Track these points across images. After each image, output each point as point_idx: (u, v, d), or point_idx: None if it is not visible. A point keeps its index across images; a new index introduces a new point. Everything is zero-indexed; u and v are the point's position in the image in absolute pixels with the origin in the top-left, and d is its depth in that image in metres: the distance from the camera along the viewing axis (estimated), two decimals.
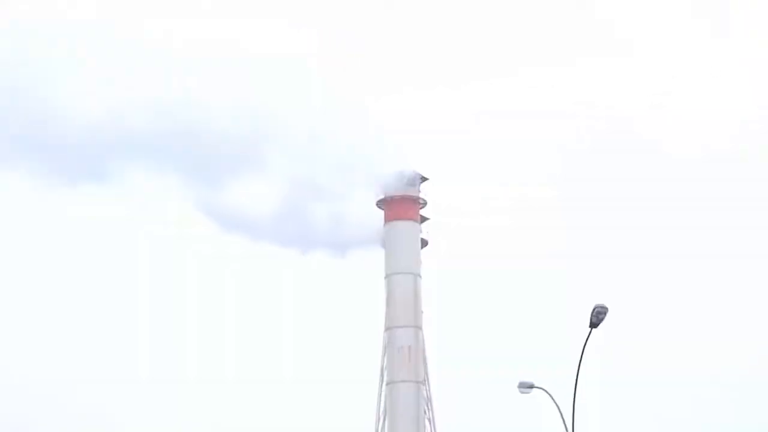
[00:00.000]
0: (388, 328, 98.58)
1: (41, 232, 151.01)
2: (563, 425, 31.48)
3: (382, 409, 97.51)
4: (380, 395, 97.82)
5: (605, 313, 28.99)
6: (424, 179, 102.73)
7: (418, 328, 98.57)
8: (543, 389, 32.82)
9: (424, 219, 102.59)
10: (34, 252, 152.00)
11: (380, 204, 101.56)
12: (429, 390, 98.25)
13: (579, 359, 30.43)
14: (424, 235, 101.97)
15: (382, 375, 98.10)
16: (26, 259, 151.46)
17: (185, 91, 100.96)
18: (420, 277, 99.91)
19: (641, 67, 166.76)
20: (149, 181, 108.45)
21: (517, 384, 33.48)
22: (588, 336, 29.88)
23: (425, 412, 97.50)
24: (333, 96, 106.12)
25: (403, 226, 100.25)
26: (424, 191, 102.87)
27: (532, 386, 33.24)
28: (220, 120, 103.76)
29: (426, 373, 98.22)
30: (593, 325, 29.25)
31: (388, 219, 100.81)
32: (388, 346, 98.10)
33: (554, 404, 31.79)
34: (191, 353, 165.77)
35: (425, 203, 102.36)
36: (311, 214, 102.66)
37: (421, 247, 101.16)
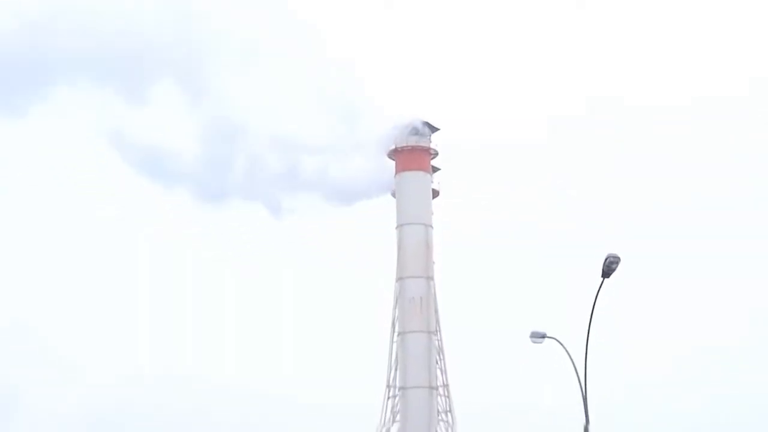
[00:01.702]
0: (399, 279, 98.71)
1: None
2: (575, 375, 31.44)
3: (393, 359, 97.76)
4: (392, 345, 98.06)
5: (617, 263, 28.88)
6: (435, 129, 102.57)
7: (430, 278, 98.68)
8: (555, 339, 32.77)
9: (435, 169, 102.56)
10: None
11: (391, 154, 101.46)
12: (440, 340, 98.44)
13: (591, 309, 30.37)
14: (435, 186, 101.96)
15: (393, 325, 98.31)
16: None
17: None
18: (431, 227, 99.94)
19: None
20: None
21: (529, 334, 33.41)
22: (600, 286, 29.78)
23: (437, 362, 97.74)
24: (341, 47, 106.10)
25: (414, 176, 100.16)
26: (435, 141, 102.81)
27: (544, 336, 33.19)
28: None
29: (437, 323, 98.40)
30: (605, 274, 29.14)
31: (399, 169, 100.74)
32: (400, 297, 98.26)
33: (566, 354, 31.74)
34: (194, 307, 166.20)
35: (436, 153, 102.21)
36: (322, 164, 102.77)
37: (433, 198, 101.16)
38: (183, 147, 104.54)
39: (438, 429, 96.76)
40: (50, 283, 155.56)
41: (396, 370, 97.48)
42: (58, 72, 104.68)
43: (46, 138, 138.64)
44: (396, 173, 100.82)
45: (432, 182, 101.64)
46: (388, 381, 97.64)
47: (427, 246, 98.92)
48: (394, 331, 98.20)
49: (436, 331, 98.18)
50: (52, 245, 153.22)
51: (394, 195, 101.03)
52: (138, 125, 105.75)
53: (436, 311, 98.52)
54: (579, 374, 31.28)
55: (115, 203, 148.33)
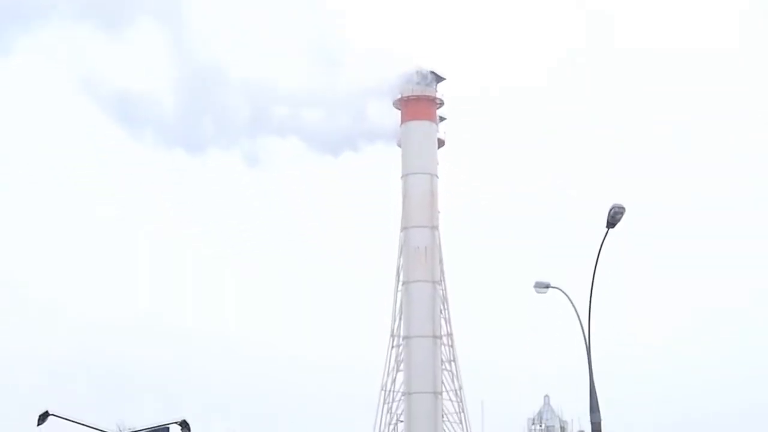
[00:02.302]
0: (404, 228, 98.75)
1: None
2: (579, 325, 31.53)
3: (398, 308, 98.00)
4: (396, 295, 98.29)
5: (622, 213, 28.87)
6: (440, 79, 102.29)
7: (435, 228, 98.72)
8: (559, 289, 32.79)
9: (441, 119, 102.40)
10: None
11: (397, 104, 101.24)
12: (445, 289, 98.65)
13: (595, 259, 30.38)
14: (441, 135, 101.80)
15: (398, 274, 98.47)
16: None
17: None
18: (437, 177, 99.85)
19: None
20: None
21: (533, 284, 33.43)
22: (605, 236, 29.78)
23: (441, 312, 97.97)
24: None
25: (419, 125, 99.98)
26: (441, 91, 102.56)
27: (548, 286, 33.20)
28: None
29: (442, 273, 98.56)
30: (610, 224, 29.15)
31: (404, 119, 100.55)
32: (405, 246, 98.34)
33: (570, 304, 31.80)
34: (189, 260, 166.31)
35: (442, 103, 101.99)
36: (327, 112, 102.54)
37: (438, 147, 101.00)
38: (158, 90, 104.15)
39: (442, 378, 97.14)
40: (25, 227, 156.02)
41: (400, 319, 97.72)
42: (37, 7, 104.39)
43: (23, 75, 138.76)
44: (401, 123, 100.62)
45: (438, 132, 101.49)
46: (393, 330, 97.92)
47: (432, 196, 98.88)
48: (398, 281, 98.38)
49: (441, 280, 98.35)
50: (25, 190, 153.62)
51: (399, 144, 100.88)
52: (113, 66, 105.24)
53: (441, 261, 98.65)
54: (583, 324, 31.35)
55: (88, 149, 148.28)
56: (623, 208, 28.80)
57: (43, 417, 21.26)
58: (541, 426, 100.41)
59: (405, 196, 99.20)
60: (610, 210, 28.89)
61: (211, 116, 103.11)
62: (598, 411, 30.51)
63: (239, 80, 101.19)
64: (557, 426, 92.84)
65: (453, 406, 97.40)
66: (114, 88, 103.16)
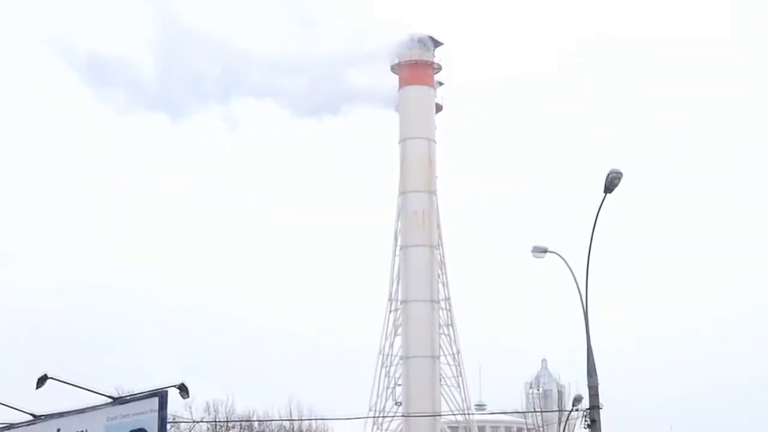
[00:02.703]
0: (402, 193, 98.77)
1: None
2: (576, 290, 31.57)
3: (395, 273, 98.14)
4: (394, 259, 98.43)
5: (620, 179, 28.88)
6: (438, 44, 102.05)
7: (432, 192, 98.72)
8: (557, 253, 32.78)
9: (439, 84, 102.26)
10: None
11: (395, 69, 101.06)
12: (442, 254, 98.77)
13: (593, 224, 30.40)
14: (438, 100, 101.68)
15: (396, 239, 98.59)
16: None
17: None
18: (434, 142, 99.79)
19: None
20: None
21: (530, 248, 33.41)
22: (602, 201, 29.80)
23: (439, 276, 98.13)
24: None
25: (417, 90, 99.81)
26: (439, 56, 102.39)
27: (545, 251, 33.16)
28: None
29: (440, 238, 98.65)
30: (607, 189, 29.17)
31: (402, 84, 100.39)
32: (402, 211, 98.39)
33: (568, 269, 31.81)
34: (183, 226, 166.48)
35: (440, 68, 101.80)
36: (325, 77, 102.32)
37: (436, 112, 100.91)
38: (134, 52, 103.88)
39: (440, 342, 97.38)
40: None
41: (398, 283, 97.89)
42: None
43: None
44: (399, 87, 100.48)
45: (435, 97, 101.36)
46: (390, 295, 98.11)
47: (430, 160, 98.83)
48: (396, 245, 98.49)
49: (438, 245, 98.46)
50: None
51: (397, 109, 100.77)
52: (87, 26, 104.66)
53: (439, 225, 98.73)
54: (580, 288, 31.38)
55: (61, 111, 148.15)
56: (620, 174, 28.80)
57: (42, 380, 21.27)
58: (538, 390, 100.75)
59: (403, 160, 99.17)
60: (608, 175, 28.90)
61: (190, 79, 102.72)
62: (596, 375, 30.60)
63: (219, 43, 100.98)
64: (555, 390, 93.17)
65: (451, 370, 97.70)
66: (88, 49, 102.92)
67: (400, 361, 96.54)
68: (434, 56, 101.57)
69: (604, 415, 30.46)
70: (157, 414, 19.64)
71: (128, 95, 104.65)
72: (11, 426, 22.39)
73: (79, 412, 21.03)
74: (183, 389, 20.34)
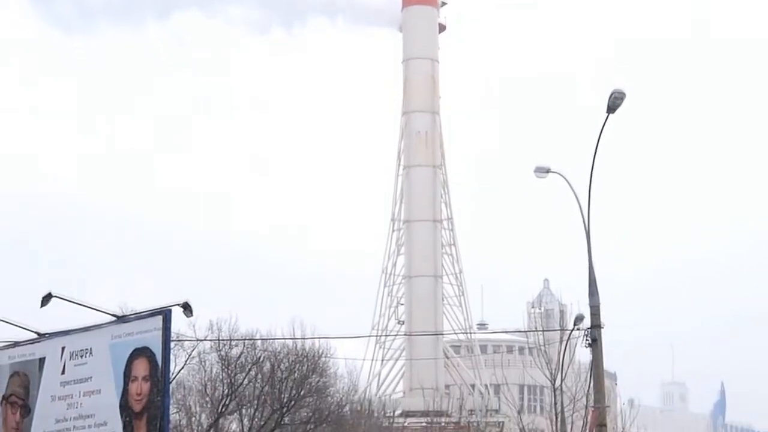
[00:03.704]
0: (405, 113, 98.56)
1: None
2: (579, 210, 31.60)
3: (398, 193, 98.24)
4: (397, 179, 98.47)
5: (622, 99, 28.79)
6: None
7: (435, 113, 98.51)
8: (559, 174, 32.75)
9: (443, 3, 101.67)
10: None
11: None
12: (445, 174, 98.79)
13: (595, 144, 30.35)
14: (441, 20, 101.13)
15: (399, 159, 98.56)
16: None
17: None
18: (437, 62, 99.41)
19: None
20: None
21: (533, 168, 33.38)
22: (605, 121, 29.72)
23: (441, 196, 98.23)
24: None
25: (420, 10, 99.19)
26: None
27: (548, 171, 33.10)
28: None
29: (442, 158, 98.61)
30: (610, 110, 29.08)
31: (406, 3, 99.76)
32: (405, 131, 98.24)
33: (570, 189, 31.81)
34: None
35: None
36: None
37: (439, 32, 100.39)
38: None
39: (442, 261, 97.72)
40: None
41: (401, 203, 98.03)
42: None
43: None
44: (403, 7, 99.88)
45: (439, 16, 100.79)
46: (393, 214, 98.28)
47: (434, 80, 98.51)
48: (399, 165, 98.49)
49: (441, 165, 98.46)
50: None
51: (400, 29, 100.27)
52: None
53: (441, 145, 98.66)
54: (582, 207, 31.42)
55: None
56: (623, 94, 28.68)
57: (47, 298, 21.40)
58: (540, 309, 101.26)
59: (406, 80, 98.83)
60: (611, 95, 28.81)
61: None
62: (597, 294, 30.72)
63: None
64: (556, 309, 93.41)
65: (453, 289, 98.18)
66: None
67: (403, 281, 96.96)
68: None
69: (605, 335, 30.63)
70: (161, 332, 19.80)
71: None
72: (16, 344, 22.57)
73: (84, 330, 21.20)
74: (187, 308, 20.48)
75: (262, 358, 43.07)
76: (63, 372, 21.11)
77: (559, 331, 33.81)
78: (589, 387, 30.52)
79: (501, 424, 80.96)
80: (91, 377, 20.64)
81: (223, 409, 40.95)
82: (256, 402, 41.72)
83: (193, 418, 44.89)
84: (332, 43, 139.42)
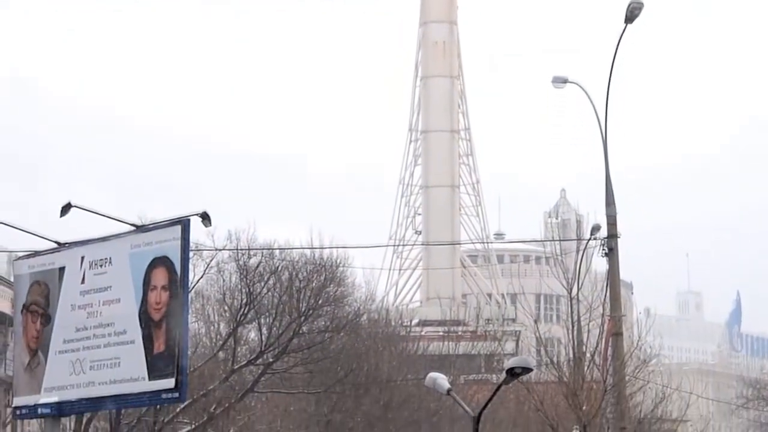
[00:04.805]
0: (423, 23, 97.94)
1: None
2: (596, 120, 31.60)
3: (416, 103, 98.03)
4: (414, 90, 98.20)
5: (640, 9, 28.67)
6: None
7: (453, 23, 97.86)
8: (576, 84, 32.73)
9: None
10: None
11: None
12: (463, 84, 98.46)
13: (613, 54, 30.27)
14: None
15: (416, 69, 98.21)
16: None
17: None
18: None
19: None
20: None
21: (551, 78, 33.33)
22: (623, 31, 29.63)
23: (459, 106, 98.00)
24: None
25: None
26: None
27: (566, 81, 33.09)
28: None
29: (460, 68, 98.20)
30: (628, 20, 28.97)
31: None
32: (423, 41, 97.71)
33: (588, 99, 31.80)
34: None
35: None
36: None
37: None
38: None
39: (459, 172, 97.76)
40: None
41: (418, 114, 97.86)
42: None
43: None
44: None
45: None
46: (411, 125, 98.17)
47: None
48: (416, 76, 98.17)
49: (459, 75, 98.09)
50: None
51: None
52: None
53: (459, 56, 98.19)
54: (599, 116, 31.43)
55: None
56: (641, 3, 28.58)
57: (66, 208, 21.55)
58: (557, 219, 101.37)
59: None
60: (629, 5, 28.69)
61: None
62: (614, 204, 30.81)
63: None
64: (573, 219, 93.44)
65: (470, 199, 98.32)
66: None
67: (420, 191, 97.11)
68: None
69: (621, 245, 30.78)
70: (179, 242, 19.92)
71: None
72: (36, 253, 22.76)
73: (103, 240, 21.34)
74: (205, 217, 20.61)
75: (280, 268, 43.26)
76: (83, 281, 21.30)
77: (575, 241, 33.90)
78: (605, 296, 30.72)
79: (517, 333, 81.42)
80: (110, 286, 20.84)
81: (242, 318, 41.23)
82: (274, 311, 41.96)
83: (212, 327, 45.28)
84: None
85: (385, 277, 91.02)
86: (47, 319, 21.86)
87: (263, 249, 42.90)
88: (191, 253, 24.76)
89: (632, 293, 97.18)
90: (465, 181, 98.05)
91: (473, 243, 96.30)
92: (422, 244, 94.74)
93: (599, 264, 31.78)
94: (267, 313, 42.08)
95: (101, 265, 21.08)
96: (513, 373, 22.35)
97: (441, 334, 72.10)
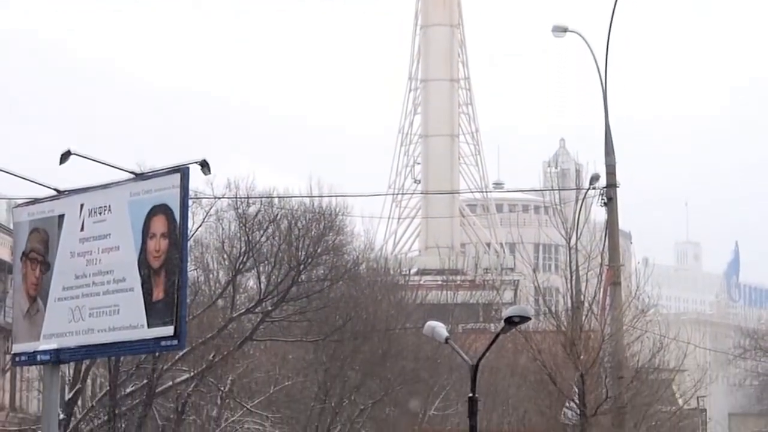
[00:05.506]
0: None
1: None
2: (596, 70, 31.53)
3: (416, 52, 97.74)
4: (414, 38, 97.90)
5: None
6: None
7: None
8: (577, 33, 32.60)
9: None
10: None
11: None
12: (462, 33, 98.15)
13: (614, 3, 30.17)
14: None
15: (416, 18, 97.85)
16: None
17: None
18: None
19: None
20: None
21: (551, 27, 33.21)
22: None
23: (459, 55, 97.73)
24: None
25: None
26: None
27: (566, 30, 32.97)
28: None
29: (460, 17, 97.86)
30: None
31: None
32: None
33: (588, 48, 31.70)
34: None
35: None
36: None
37: None
38: None
39: (459, 121, 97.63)
40: None
41: (418, 62, 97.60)
42: None
43: None
44: None
45: None
46: (410, 74, 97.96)
47: None
48: (416, 25, 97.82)
49: (459, 24, 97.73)
50: None
51: None
52: None
53: (459, 4, 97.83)
54: (599, 65, 31.35)
55: None
56: None
57: (65, 156, 21.49)
58: (556, 168, 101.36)
59: None
60: None
61: None
62: (613, 154, 30.81)
63: None
64: (572, 169, 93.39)
65: (469, 148, 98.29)
66: None
67: (419, 140, 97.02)
68: None
69: (620, 195, 30.79)
70: (179, 190, 19.86)
71: None
72: (35, 201, 22.71)
73: (102, 188, 21.28)
74: (205, 165, 20.54)
75: (279, 216, 43.23)
76: (82, 229, 21.25)
77: (574, 191, 33.88)
78: (603, 246, 30.76)
79: (516, 282, 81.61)
80: (109, 234, 20.79)
81: (241, 267, 41.26)
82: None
83: (211, 275, 45.31)
84: None
85: (384, 225, 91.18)
86: (46, 267, 21.84)
87: (262, 197, 42.88)
88: (190, 201, 24.72)
89: (631, 243, 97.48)
90: (464, 131, 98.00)
91: (472, 192, 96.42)
92: (421, 193, 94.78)
93: (598, 213, 31.81)
94: (266, 262, 42.10)
95: (100, 213, 21.03)
96: (511, 322, 22.41)
97: (439, 283, 72.30)
